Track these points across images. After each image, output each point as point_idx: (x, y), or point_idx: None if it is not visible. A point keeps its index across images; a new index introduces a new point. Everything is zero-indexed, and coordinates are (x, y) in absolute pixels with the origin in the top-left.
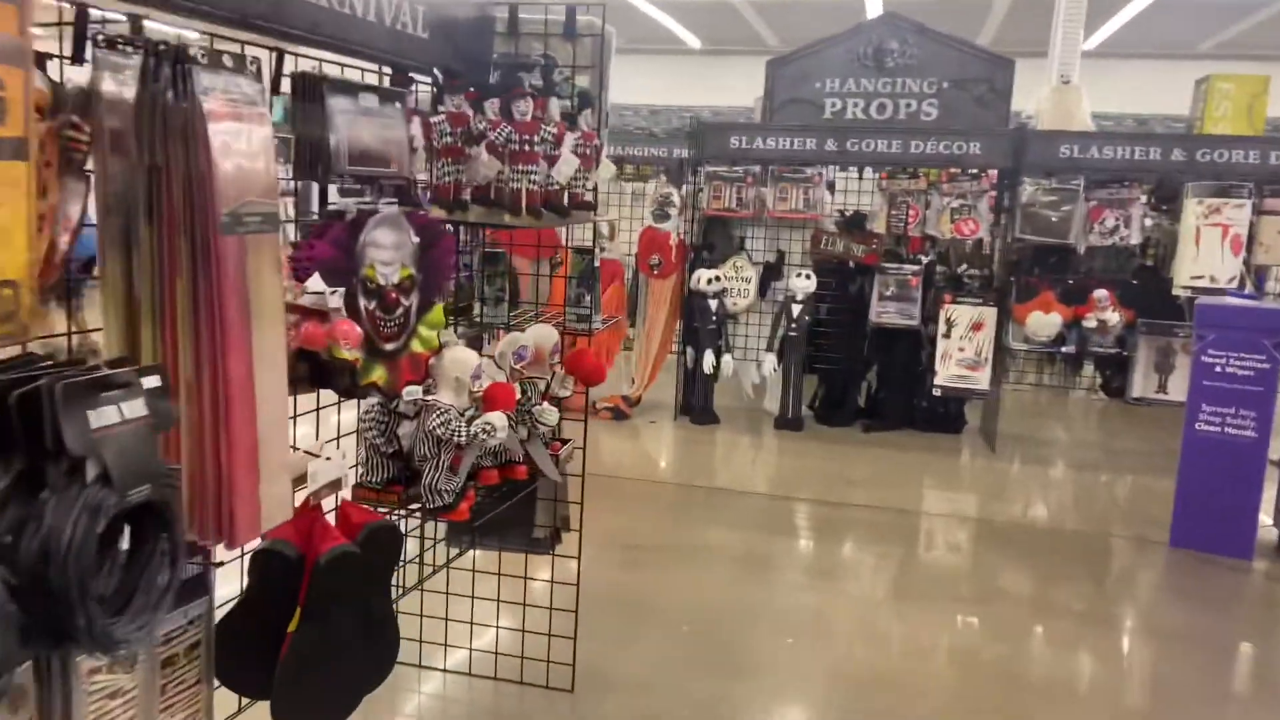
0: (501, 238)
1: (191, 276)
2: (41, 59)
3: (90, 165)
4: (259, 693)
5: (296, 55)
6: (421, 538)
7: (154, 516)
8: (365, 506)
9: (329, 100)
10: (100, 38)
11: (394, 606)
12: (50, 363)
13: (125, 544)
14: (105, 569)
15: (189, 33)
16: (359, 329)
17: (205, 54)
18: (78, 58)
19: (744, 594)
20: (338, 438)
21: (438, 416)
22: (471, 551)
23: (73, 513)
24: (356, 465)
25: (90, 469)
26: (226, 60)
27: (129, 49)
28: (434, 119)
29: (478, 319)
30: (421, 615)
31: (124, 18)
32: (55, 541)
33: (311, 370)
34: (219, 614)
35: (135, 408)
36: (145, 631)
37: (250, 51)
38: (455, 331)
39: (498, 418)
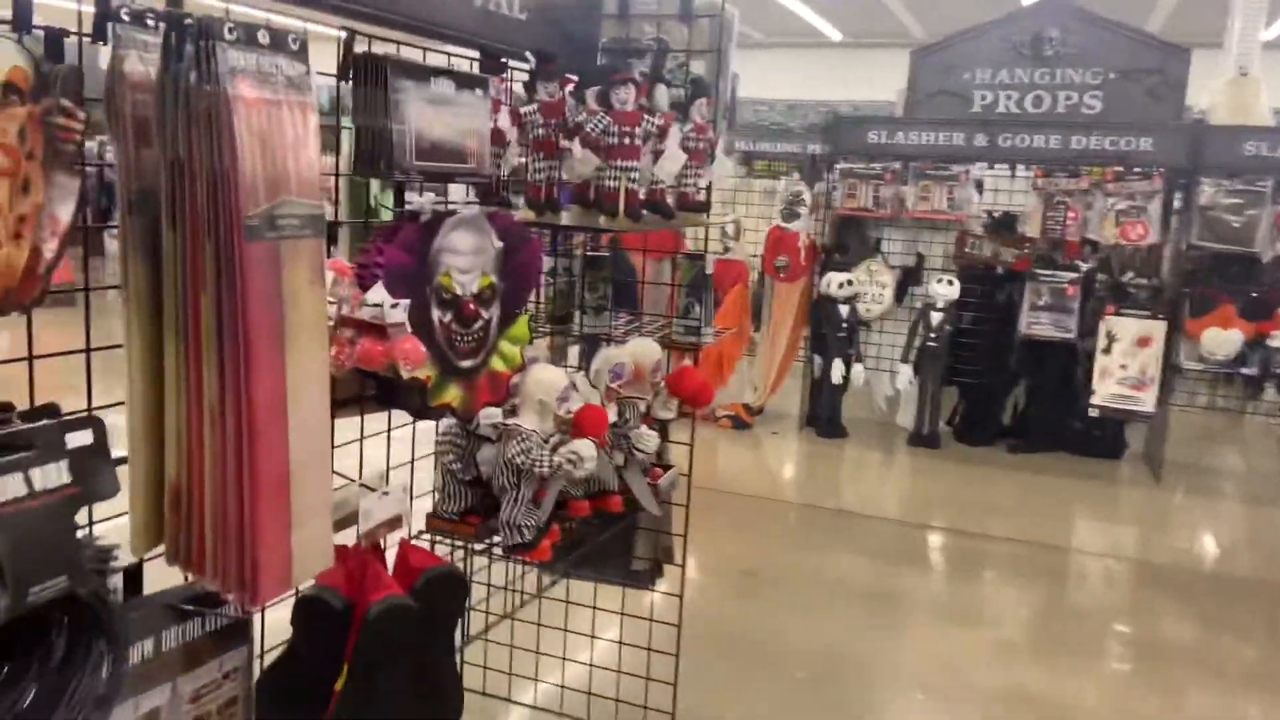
0: (610, 238)
1: (216, 288)
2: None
3: (102, 158)
4: None
5: (369, 38)
6: (508, 564)
7: (83, 609)
8: (425, 549)
9: (394, 85)
10: (125, 11)
11: (458, 661)
12: None
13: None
14: (19, 675)
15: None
16: (423, 348)
17: (234, 29)
18: (99, 35)
19: (869, 637)
20: (411, 461)
21: (518, 444)
22: (565, 581)
23: None
24: (433, 491)
25: None
26: (262, 36)
27: (158, 24)
28: (525, 109)
29: (576, 330)
30: (511, 646)
31: None
32: None
33: (380, 388)
34: (263, 662)
35: (51, 475)
36: None
37: (303, 28)
38: (551, 341)
39: (586, 447)
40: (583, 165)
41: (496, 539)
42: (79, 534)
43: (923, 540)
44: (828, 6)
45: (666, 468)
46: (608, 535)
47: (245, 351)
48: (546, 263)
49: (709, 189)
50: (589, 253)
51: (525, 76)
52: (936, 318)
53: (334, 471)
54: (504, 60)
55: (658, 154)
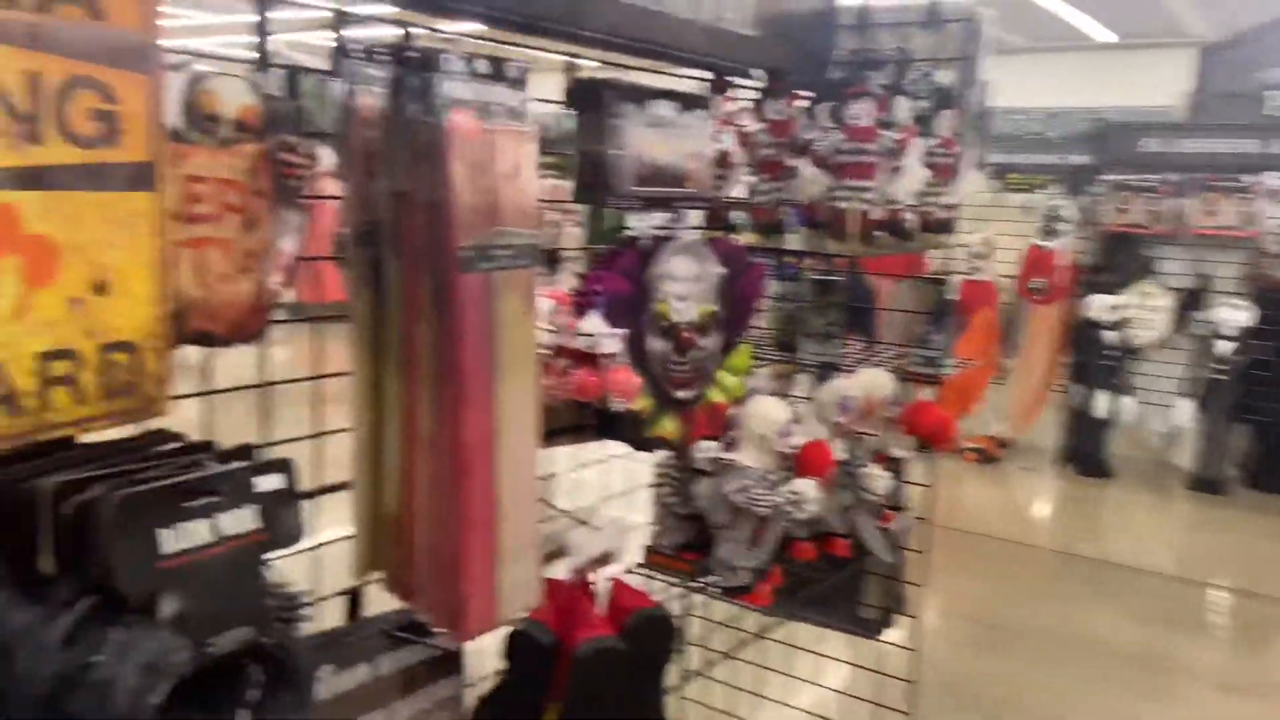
0: (845, 263)
1: (432, 319)
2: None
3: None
4: None
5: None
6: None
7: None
8: (638, 589)
9: (612, 109)
10: (358, 48)
11: (663, 705)
12: (179, 446)
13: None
14: None
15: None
16: (636, 379)
17: (454, 61)
18: (334, 71)
19: (1132, 706)
20: (631, 490)
21: (735, 481)
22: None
23: (125, 667)
24: (653, 524)
25: (164, 608)
26: (482, 67)
27: (383, 58)
28: (752, 129)
29: (802, 359)
30: (731, 686)
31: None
32: (110, 699)
33: (597, 418)
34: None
35: (240, 521)
36: None
37: (518, 54)
38: (776, 370)
39: (808, 486)
40: (811, 185)
41: (713, 578)
42: (265, 580)
43: (1202, 600)
44: (1095, 6)
45: (899, 509)
46: (836, 579)
47: (457, 384)
48: (773, 286)
49: (955, 207)
50: (819, 276)
51: (754, 94)
52: (1225, 347)
53: (547, 503)
54: (731, 79)
55: (897, 171)
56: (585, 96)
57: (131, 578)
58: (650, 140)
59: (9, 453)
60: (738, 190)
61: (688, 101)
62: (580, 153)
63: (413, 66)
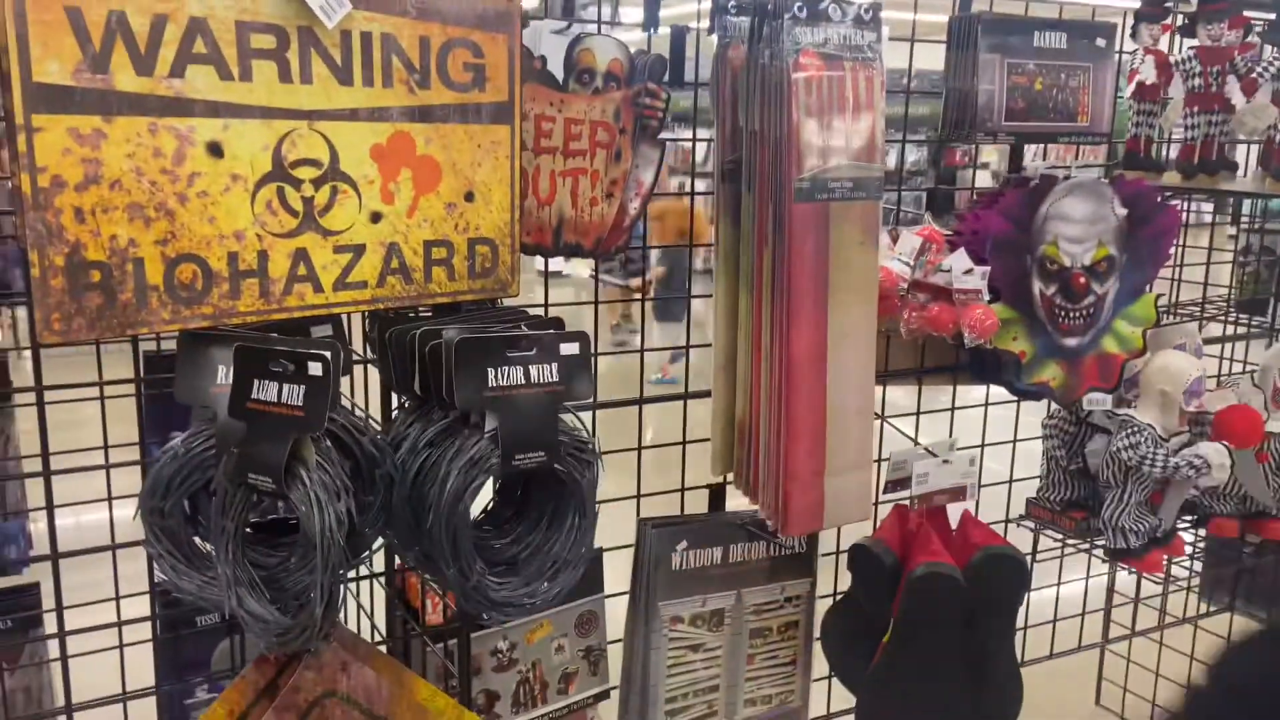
0: None
1: (773, 244)
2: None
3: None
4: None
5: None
6: (1139, 577)
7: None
8: (989, 527)
9: (984, 42)
10: (732, 5)
11: (1014, 654)
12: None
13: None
14: (506, 529)
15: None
16: (994, 318)
17: (803, 6)
18: (712, 27)
19: None
20: (1014, 441)
21: (1127, 438)
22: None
23: (457, 464)
24: (1039, 477)
25: (486, 425)
26: (832, 10)
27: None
28: (1178, 56)
29: (1268, 322)
30: (1128, 660)
31: None
32: (437, 488)
33: (973, 359)
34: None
35: (545, 372)
36: (534, 599)
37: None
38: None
39: (1217, 453)
40: (1254, 118)
41: (1100, 541)
42: (559, 423)
43: None
44: None
45: None
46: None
47: (790, 303)
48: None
49: None
50: None
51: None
52: None
53: (901, 431)
54: (1166, 4)
55: None
56: (958, 31)
57: (465, 399)
58: (1029, 73)
59: (407, 310)
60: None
61: (1081, 30)
62: (949, 90)
63: (764, 14)
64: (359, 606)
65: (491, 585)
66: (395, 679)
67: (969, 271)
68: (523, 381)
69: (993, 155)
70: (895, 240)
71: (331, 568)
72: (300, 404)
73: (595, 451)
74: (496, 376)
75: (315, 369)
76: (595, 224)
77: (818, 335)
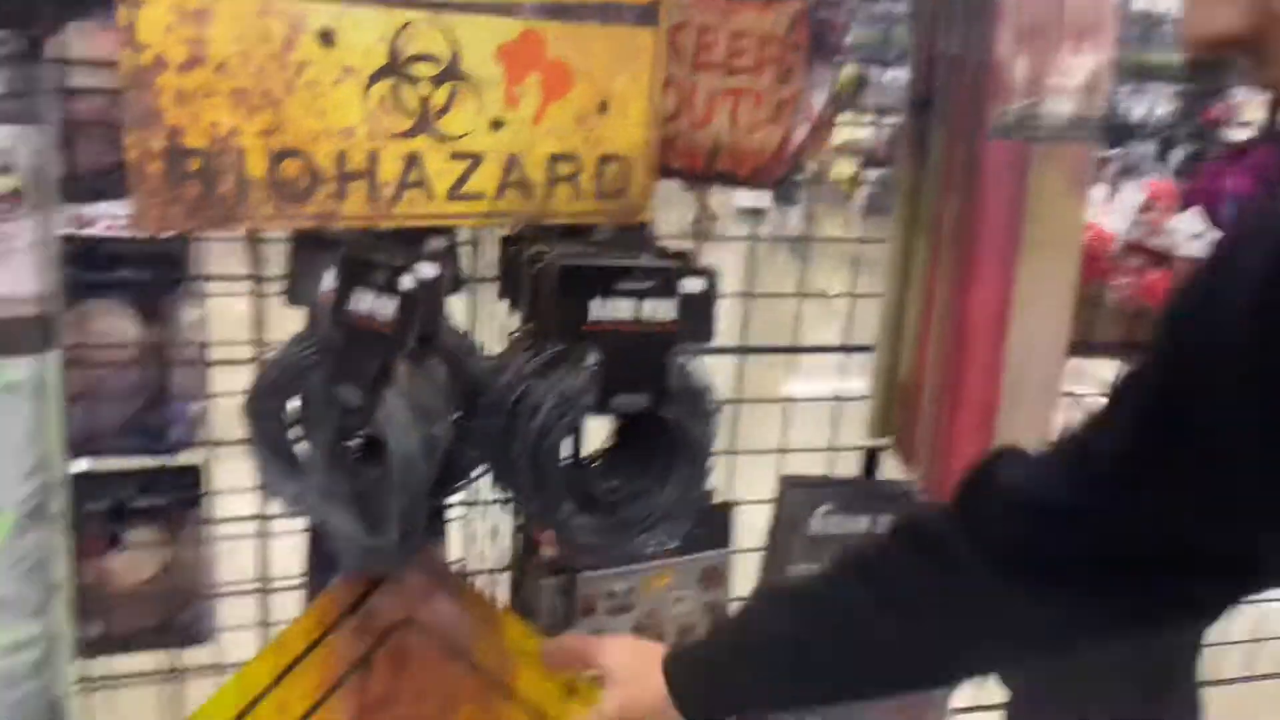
0: None
1: (961, 187)
2: None
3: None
4: None
5: None
6: None
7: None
8: None
9: None
10: None
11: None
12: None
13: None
14: (609, 474)
15: None
16: None
17: None
18: None
19: None
20: None
21: None
22: None
23: (549, 398)
24: None
25: (587, 361)
26: None
27: None
28: None
29: None
30: None
31: None
32: (536, 416)
33: None
34: None
35: (660, 309)
36: (625, 547)
37: None
38: None
39: None
40: None
41: None
42: (673, 366)
43: None
44: None
45: None
46: None
47: (970, 255)
48: None
49: None
50: None
51: None
52: None
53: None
54: None
55: None
56: None
57: (561, 332)
58: None
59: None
60: None
61: None
62: None
63: None
64: (493, 530)
65: (580, 527)
66: (483, 615)
67: (1198, 236)
68: (630, 318)
69: (1259, 113)
70: (1114, 193)
71: (413, 491)
72: (391, 319)
73: (713, 401)
74: (600, 309)
75: (407, 283)
76: (754, 151)
77: (1000, 295)
